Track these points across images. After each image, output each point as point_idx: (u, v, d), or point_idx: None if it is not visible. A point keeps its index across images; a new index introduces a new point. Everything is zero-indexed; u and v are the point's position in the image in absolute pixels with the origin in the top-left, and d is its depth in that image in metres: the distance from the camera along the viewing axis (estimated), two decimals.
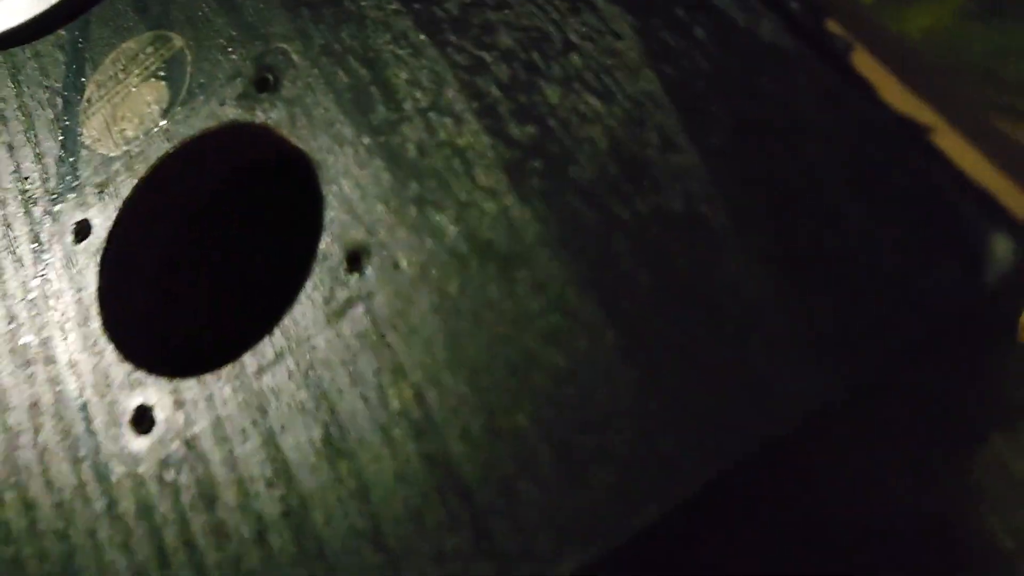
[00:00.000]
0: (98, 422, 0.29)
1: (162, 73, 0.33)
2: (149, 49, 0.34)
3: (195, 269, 0.34)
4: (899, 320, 0.22)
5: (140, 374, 0.29)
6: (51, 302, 0.32)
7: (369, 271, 0.27)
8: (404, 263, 0.27)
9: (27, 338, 0.32)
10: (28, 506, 0.29)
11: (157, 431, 0.28)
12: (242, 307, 0.34)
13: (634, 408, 0.23)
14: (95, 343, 0.30)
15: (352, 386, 0.26)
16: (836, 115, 0.24)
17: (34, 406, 0.31)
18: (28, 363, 0.31)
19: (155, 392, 0.29)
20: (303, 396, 0.27)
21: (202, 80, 0.33)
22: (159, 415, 0.28)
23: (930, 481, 0.30)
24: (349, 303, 0.27)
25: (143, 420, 0.29)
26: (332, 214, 0.28)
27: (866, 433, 0.25)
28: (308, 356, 0.27)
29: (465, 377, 0.25)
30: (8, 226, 0.34)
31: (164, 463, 0.28)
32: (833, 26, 0.25)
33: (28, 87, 0.36)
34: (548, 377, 0.24)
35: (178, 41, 0.34)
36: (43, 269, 0.32)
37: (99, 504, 0.28)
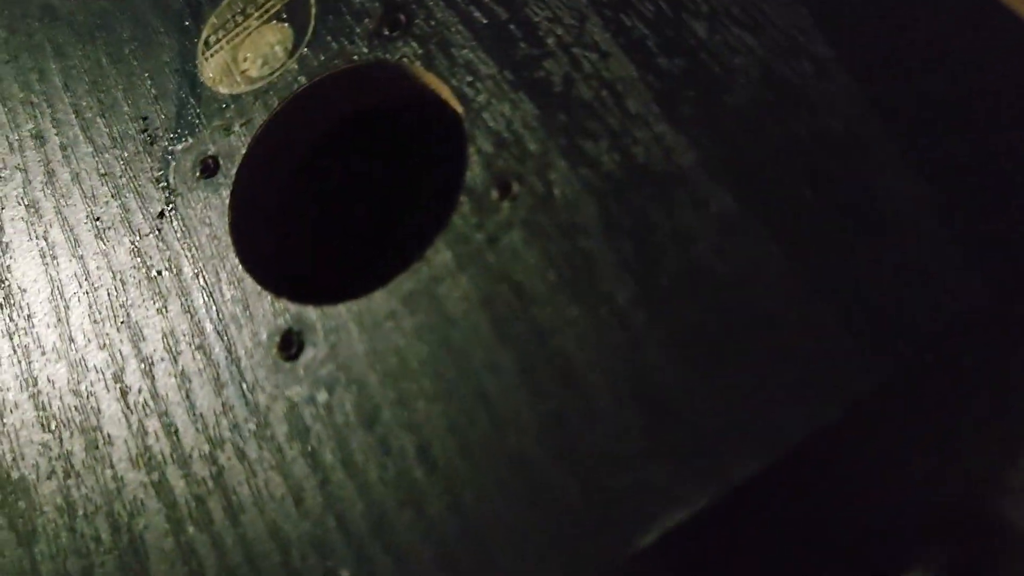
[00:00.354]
0: (241, 348, 0.30)
1: (284, 15, 0.34)
2: None
3: (319, 204, 0.35)
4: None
5: (283, 302, 0.30)
6: (180, 236, 0.32)
7: (522, 198, 0.28)
8: (558, 191, 0.28)
9: (158, 270, 0.32)
10: (170, 432, 0.30)
11: (306, 356, 0.29)
12: (366, 242, 0.35)
13: (801, 315, 0.24)
14: (232, 273, 0.31)
15: (521, 301, 0.27)
16: (983, 40, 0.25)
17: (170, 335, 0.31)
18: (158, 295, 0.32)
19: (301, 319, 0.29)
20: (469, 304, 0.27)
21: (328, 20, 0.33)
22: (307, 341, 0.29)
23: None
24: (503, 228, 0.28)
25: (290, 346, 0.29)
26: (479, 145, 0.29)
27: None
28: (469, 280, 0.28)
29: (633, 290, 0.26)
30: (127, 163, 0.34)
31: (315, 386, 0.28)
32: None
33: (144, 28, 0.36)
34: (711, 284, 0.25)
35: None
36: (170, 205, 0.33)
37: (248, 427, 0.29)
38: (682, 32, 0.28)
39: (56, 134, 0.36)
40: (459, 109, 0.30)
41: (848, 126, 0.25)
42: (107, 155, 0.35)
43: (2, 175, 0.36)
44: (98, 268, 0.33)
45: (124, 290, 0.32)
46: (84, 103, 0.36)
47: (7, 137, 0.37)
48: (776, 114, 0.26)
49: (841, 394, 0.23)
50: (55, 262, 0.34)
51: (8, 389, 0.33)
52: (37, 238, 0.34)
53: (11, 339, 0.33)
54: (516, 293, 0.27)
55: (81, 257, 0.34)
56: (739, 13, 0.28)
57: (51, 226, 0.35)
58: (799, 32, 0.27)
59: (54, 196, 0.35)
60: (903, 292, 0.24)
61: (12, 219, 0.35)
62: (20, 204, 0.35)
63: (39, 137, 0.36)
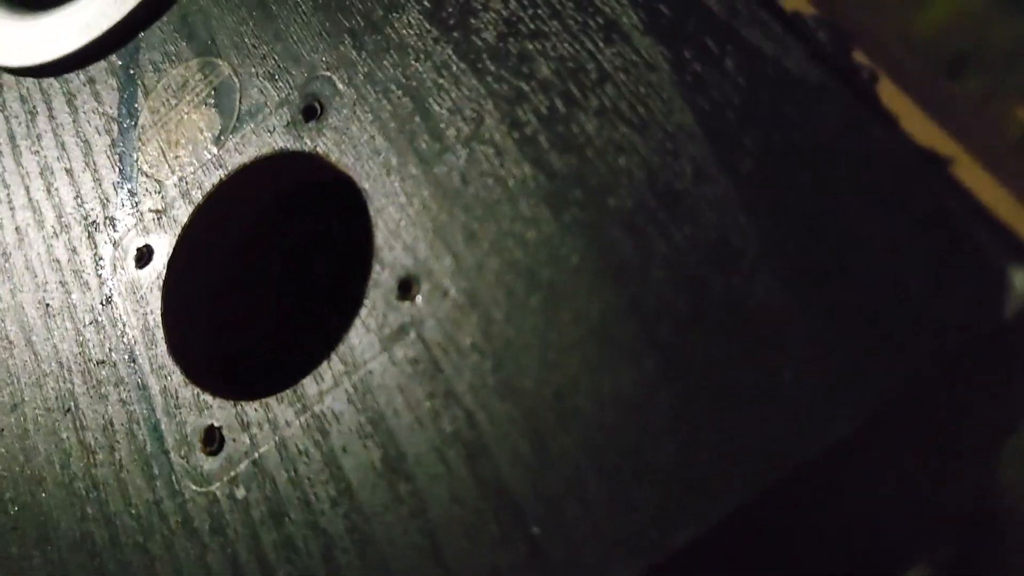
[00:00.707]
0: (170, 441, 0.31)
1: (212, 100, 0.35)
2: (198, 76, 0.35)
3: (251, 291, 0.36)
4: (920, 341, 0.23)
5: (207, 396, 0.31)
6: (118, 326, 0.34)
7: (419, 299, 0.29)
8: (452, 291, 0.28)
9: (98, 359, 0.34)
10: (108, 520, 0.32)
11: (226, 451, 0.30)
12: (298, 327, 0.36)
13: (674, 429, 0.24)
14: (162, 366, 0.32)
15: (407, 410, 0.28)
16: (860, 143, 0.25)
17: (109, 426, 0.33)
18: (100, 383, 0.33)
19: (222, 414, 0.31)
20: (362, 419, 0.28)
21: (251, 108, 0.34)
22: (227, 436, 0.30)
23: (960, 476, 0.32)
24: (402, 330, 0.29)
25: (212, 441, 0.30)
26: (382, 242, 0.30)
27: (894, 441, 0.27)
28: (365, 381, 0.29)
29: (514, 402, 0.26)
30: (73, 250, 0.36)
31: (234, 482, 0.30)
32: (859, 56, 0.26)
33: (84, 112, 0.38)
34: (592, 401, 0.25)
35: (225, 68, 0.35)
36: (108, 293, 0.34)
37: (174, 519, 0.30)
38: (572, 128, 0.28)
39: (11, 218, 0.38)
40: (367, 204, 0.31)
41: (722, 233, 0.25)
42: (55, 242, 0.36)
43: None
44: (47, 356, 0.35)
45: (70, 378, 0.34)
46: (35, 185, 0.38)
47: None
48: (658, 220, 0.26)
49: (701, 511, 0.24)
50: (11, 349, 0.36)
51: None
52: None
53: None
54: (409, 402, 0.28)
55: (32, 344, 0.35)
56: (627, 110, 0.28)
57: (7, 312, 0.36)
58: (681, 132, 0.27)
59: (10, 281, 0.37)
60: (769, 413, 0.24)
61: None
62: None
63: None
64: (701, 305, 0.25)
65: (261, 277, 0.36)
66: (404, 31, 0.32)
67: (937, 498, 0.34)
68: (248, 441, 0.30)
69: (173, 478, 0.31)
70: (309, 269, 0.38)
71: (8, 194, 0.38)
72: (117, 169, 0.36)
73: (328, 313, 0.34)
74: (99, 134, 0.37)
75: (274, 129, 0.33)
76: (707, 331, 0.25)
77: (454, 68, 0.31)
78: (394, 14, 0.32)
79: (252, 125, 0.34)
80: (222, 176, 0.33)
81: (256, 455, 0.30)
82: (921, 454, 0.29)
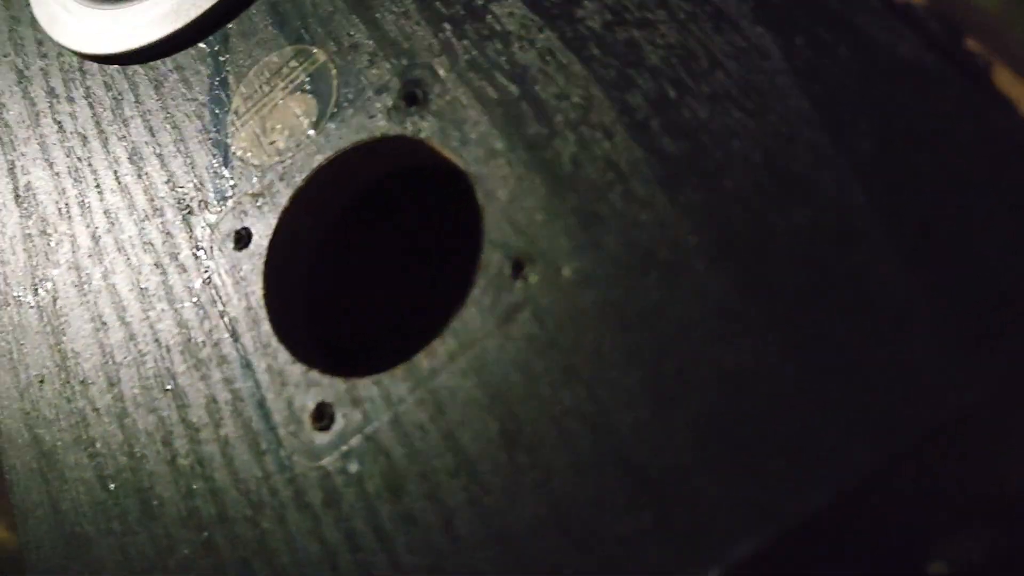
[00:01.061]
0: (278, 418, 0.32)
1: (308, 87, 0.36)
2: (293, 63, 0.36)
3: (350, 271, 0.37)
4: None
5: (315, 374, 0.32)
6: (218, 306, 0.34)
7: (533, 278, 0.29)
8: (567, 271, 0.29)
9: (198, 340, 0.34)
10: (216, 494, 0.32)
11: (337, 427, 0.31)
12: (397, 307, 0.37)
13: (799, 401, 0.25)
14: (267, 344, 0.33)
15: (525, 384, 0.29)
16: (977, 127, 0.26)
17: (212, 403, 0.33)
18: (201, 363, 0.34)
19: (332, 391, 0.31)
20: (478, 394, 0.29)
21: (349, 93, 0.35)
22: (338, 412, 0.31)
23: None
24: (516, 307, 0.29)
25: (323, 417, 0.31)
26: (492, 224, 0.30)
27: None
28: (479, 357, 0.29)
29: (635, 376, 0.27)
30: (168, 233, 0.36)
31: (347, 456, 0.30)
32: (971, 44, 0.27)
33: (173, 99, 0.38)
34: (715, 374, 0.26)
35: (321, 55, 0.36)
36: (207, 274, 0.35)
37: (285, 493, 0.31)
38: (683, 113, 0.29)
39: (100, 201, 0.38)
40: (474, 187, 0.31)
41: (842, 216, 0.26)
42: (147, 225, 0.37)
43: (51, 242, 0.38)
44: (144, 336, 0.35)
45: (169, 357, 0.35)
46: (123, 170, 0.38)
47: (56, 203, 0.39)
48: (776, 201, 0.27)
49: (829, 479, 0.25)
50: (105, 330, 0.36)
51: (68, 450, 0.35)
52: (88, 306, 0.37)
53: (68, 403, 0.36)
54: (526, 377, 0.28)
55: (128, 324, 0.36)
56: (739, 96, 0.29)
57: (100, 294, 0.37)
58: (797, 118, 0.28)
59: (101, 264, 0.37)
60: (894, 386, 0.25)
61: (64, 285, 0.38)
62: (73, 270, 0.38)
63: (84, 204, 0.38)
64: (822, 284, 0.26)
65: (360, 257, 0.37)
66: (505, 19, 0.33)
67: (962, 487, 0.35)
68: (360, 417, 0.31)
69: (282, 453, 0.32)
70: (407, 252, 0.39)
71: (96, 179, 0.39)
72: (210, 154, 0.37)
73: (428, 293, 0.35)
74: (189, 120, 0.38)
75: (375, 114, 0.34)
76: (829, 308, 0.26)
77: (559, 55, 0.32)
78: (494, 3, 0.33)
79: (351, 111, 0.34)
80: (322, 160, 0.34)
81: (369, 430, 0.30)
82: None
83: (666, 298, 0.28)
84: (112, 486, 0.34)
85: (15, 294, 0.39)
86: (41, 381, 0.37)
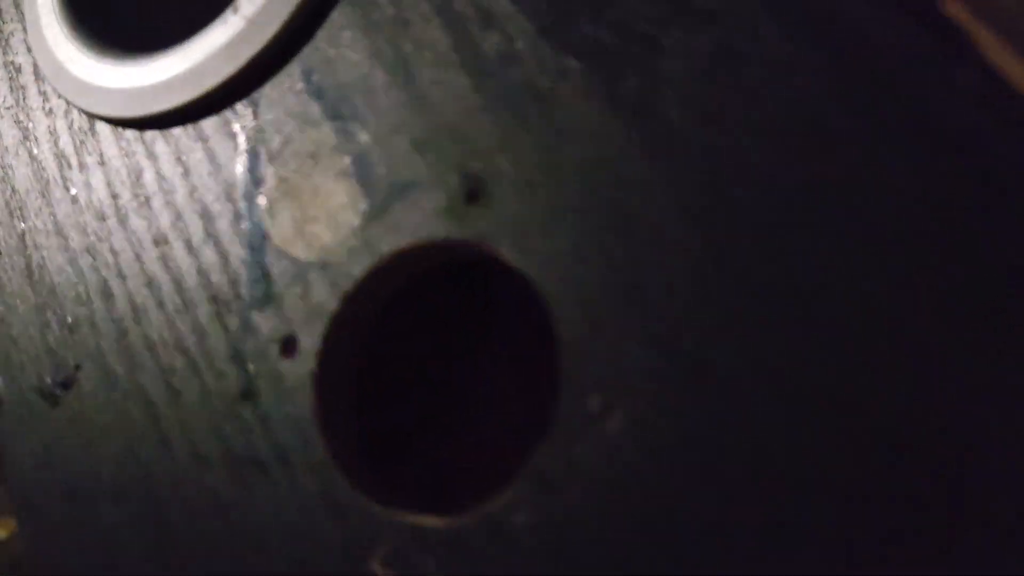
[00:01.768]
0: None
1: (351, 171, 0.32)
2: (332, 142, 0.32)
3: (399, 379, 0.34)
4: None
5: (376, 508, 0.29)
6: (262, 422, 0.31)
7: (619, 422, 0.27)
8: (661, 422, 0.26)
9: (247, 458, 0.31)
10: None
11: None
12: (455, 416, 0.34)
13: None
14: (321, 469, 0.30)
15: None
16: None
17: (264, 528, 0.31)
18: (247, 488, 0.31)
19: (393, 529, 0.29)
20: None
21: (398, 183, 0.31)
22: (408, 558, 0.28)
23: None
24: (601, 453, 0.27)
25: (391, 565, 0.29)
26: (572, 358, 0.27)
27: None
28: (559, 502, 0.27)
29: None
30: (202, 333, 0.33)
31: None
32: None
33: (199, 175, 0.35)
34: None
35: (364, 136, 0.32)
36: (248, 385, 0.32)
37: None
38: None
39: (125, 289, 0.35)
40: (549, 307, 0.28)
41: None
42: (178, 323, 0.33)
43: (75, 333, 0.35)
44: (181, 448, 0.32)
45: (211, 474, 0.32)
46: (148, 255, 0.35)
47: (75, 288, 0.36)
48: None
49: None
50: (135, 433, 0.33)
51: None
52: (116, 413, 0.34)
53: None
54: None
55: (162, 431, 0.33)
56: None
57: (128, 399, 0.34)
58: None
59: (129, 364, 0.34)
60: None
61: (89, 383, 0.35)
62: (98, 367, 0.35)
63: (106, 293, 0.35)
64: None
65: (405, 364, 0.34)
66: (580, 109, 0.29)
67: None
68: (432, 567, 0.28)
69: None
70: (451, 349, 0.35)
71: (117, 261, 0.35)
72: (245, 243, 0.33)
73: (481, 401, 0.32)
74: (218, 200, 0.34)
75: (429, 210, 0.30)
76: None
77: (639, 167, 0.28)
78: (563, 83, 0.30)
79: (401, 204, 0.31)
80: (373, 261, 0.31)
81: None
82: None
83: None
84: None
85: (34, 388, 0.36)
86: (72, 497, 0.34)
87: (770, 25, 0.26)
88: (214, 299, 0.33)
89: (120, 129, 0.36)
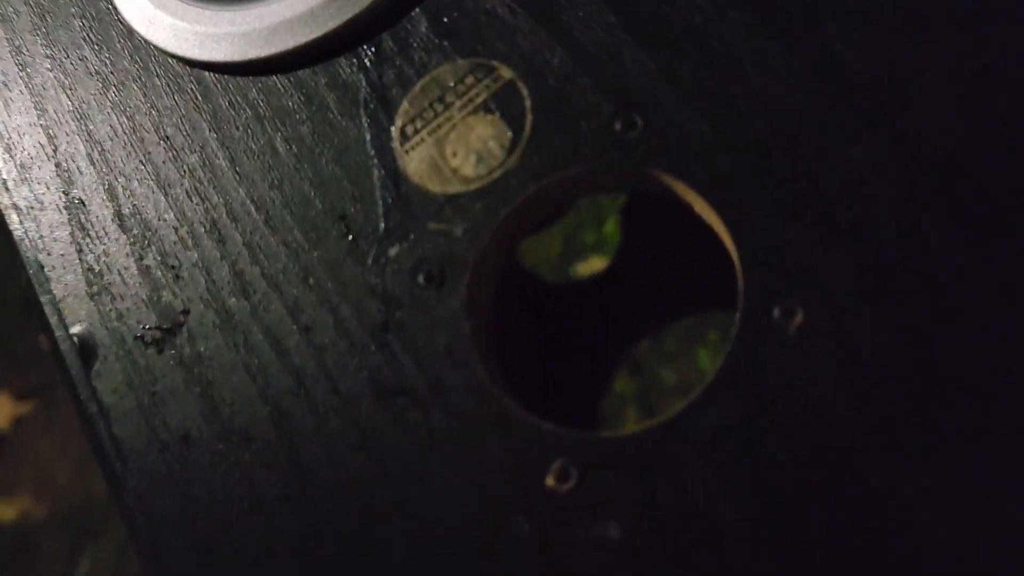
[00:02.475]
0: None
1: (492, 107, 0.32)
2: (469, 79, 0.33)
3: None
4: None
5: (548, 426, 0.29)
6: (411, 352, 0.31)
7: (798, 328, 0.28)
8: (843, 327, 0.27)
9: (395, 390, 0.31)
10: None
11: (567, 486, 0.28)
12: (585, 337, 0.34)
13: None
14: (480, 392, 0.30)
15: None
16: None
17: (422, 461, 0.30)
18: (401, 419, 0.31)
19: (571, 447, 0.29)
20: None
21: (548, 116, 0.32)
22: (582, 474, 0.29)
23: None
24: (788, 358, 0.28)
25: (567, 477, 0.29)
26: (751, 272, 0.28)
27: None
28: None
29: None
30: (331, 268, 0.33)
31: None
32: None
33: (327, 117, 0.34)
34: None
35: (505, 72, 0.33)
36: (393, 317, 0.31)
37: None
38: None
39: (235, 229, 0.34)
40: (715, 224, 0.29)
41: None
42: (304, 258, 0.33)
43: (181, 275, 0.34)
44: (313, 376, 0.32)
45: (361, 405, 0.31)
46: (261, 194, 0.34)
47: (176, 230, 0.35)
48: None
49: None
50: (263, 375, 0.32)
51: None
52: (238, 349, 0.33)
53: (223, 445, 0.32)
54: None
55: (290, 360, 0.32)
56: None
57: (249, 333, 0.33)
58: None
59: (248, 300, 0.33)
60: None
61: (204, 325, 0.33)
62: (210, 308, 0.33)
63: (215, 230, 0.34)
64: None
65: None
66: (734, 42, 0.31)
67: None
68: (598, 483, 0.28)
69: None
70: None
71: (227, 203, 0.34)
72: (379, 179, 0.33)
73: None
74: (347, 138, 0.34)
75: (584, 140, 0.31)
76: None
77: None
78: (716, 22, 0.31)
79: (552, 135, 0.32)
80: (529, 191, 0.31)
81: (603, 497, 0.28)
82: None
83: None
84: None
85: (138, 335, 0.34)
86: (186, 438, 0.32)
87: None
88: (347, 231, 0.33)
89: (229, 77, 0.36)
